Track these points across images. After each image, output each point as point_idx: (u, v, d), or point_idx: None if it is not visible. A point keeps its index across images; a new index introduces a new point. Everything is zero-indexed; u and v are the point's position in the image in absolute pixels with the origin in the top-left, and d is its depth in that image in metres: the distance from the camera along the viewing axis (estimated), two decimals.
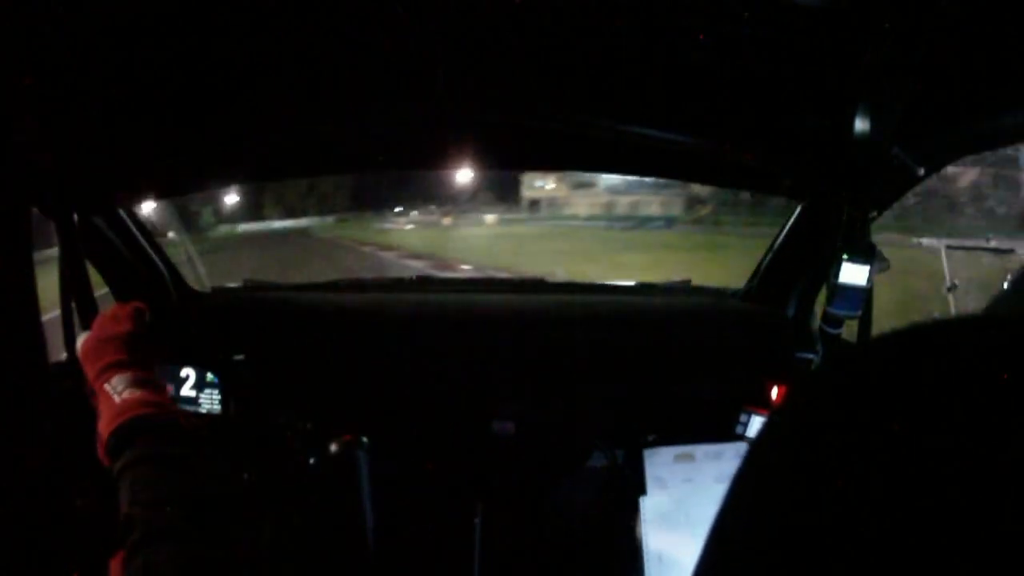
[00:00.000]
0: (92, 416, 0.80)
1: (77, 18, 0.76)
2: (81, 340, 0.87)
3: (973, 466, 0.20)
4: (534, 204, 21.21)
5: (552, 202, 21.33)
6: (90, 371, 0.82)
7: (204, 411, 1.31)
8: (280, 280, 1.79)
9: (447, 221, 18.91)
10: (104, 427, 0.75)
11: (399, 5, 0.80)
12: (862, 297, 1.06)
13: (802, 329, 1.47)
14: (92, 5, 0.75)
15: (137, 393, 0.77)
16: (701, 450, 1.05)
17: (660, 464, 1.05)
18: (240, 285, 1.74)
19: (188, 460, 0.72)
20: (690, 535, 1.00)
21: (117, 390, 0.77)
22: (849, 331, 1.13)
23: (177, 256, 1.66)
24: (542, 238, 14.80)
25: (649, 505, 1.03)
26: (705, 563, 0.28)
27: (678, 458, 1.05)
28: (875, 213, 1.11)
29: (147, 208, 1.54)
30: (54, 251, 1.09)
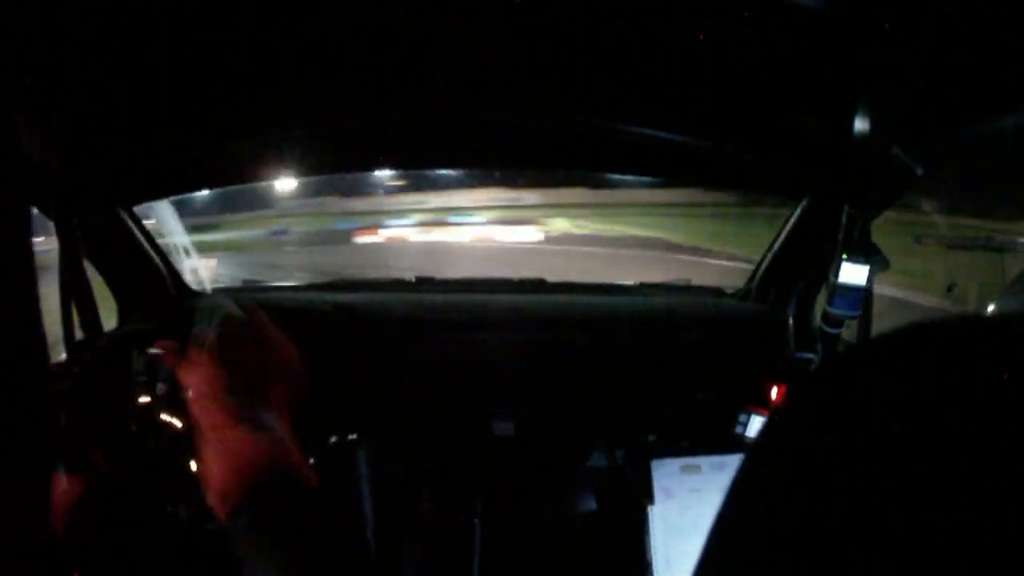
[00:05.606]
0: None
1: (78, 18, 0.75)
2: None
3: (974, 466, 0.20)
4: None
5: None
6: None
7: None
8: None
9: None
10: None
11: (400, 4, 0.80)
12: (862, 297, 1.06)
13: (802, 329, 1.47)
14: (92, 5, 0.75)
15: None
16: (707, 461, 1.10)
17: (667, 475, 1.10)
18: (240, 285, 1.74)
19: None
20: (697, 541, 1.05)
21: None
22: (849, 331, 1.13)
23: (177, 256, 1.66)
24: None
25: (657, 513, 1.08)
26: (705, 563, 0.28)
27: (684, 469, 1.10)
28: (875, 213, 1.12)
29: (147, 208, 1.54)
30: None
